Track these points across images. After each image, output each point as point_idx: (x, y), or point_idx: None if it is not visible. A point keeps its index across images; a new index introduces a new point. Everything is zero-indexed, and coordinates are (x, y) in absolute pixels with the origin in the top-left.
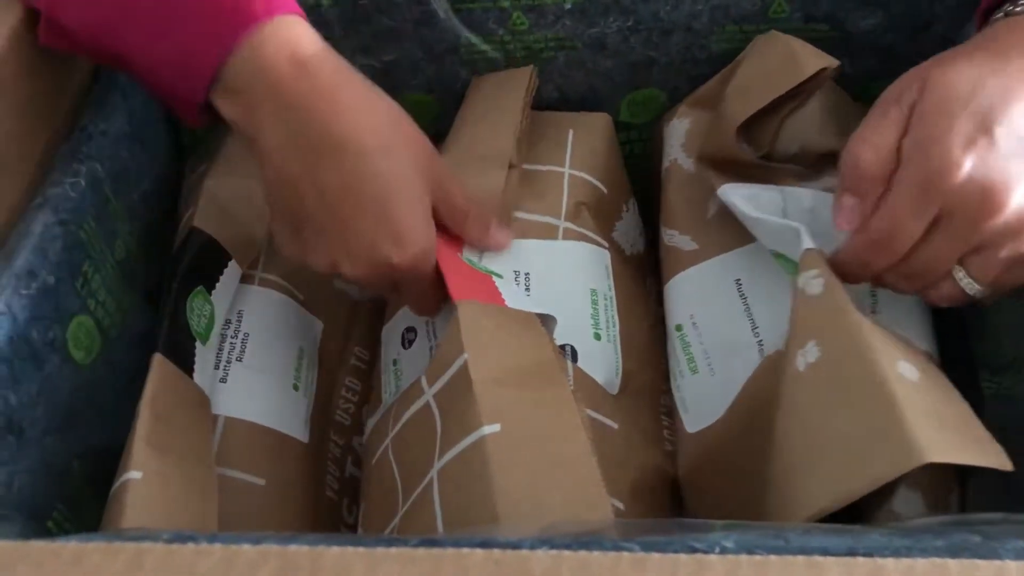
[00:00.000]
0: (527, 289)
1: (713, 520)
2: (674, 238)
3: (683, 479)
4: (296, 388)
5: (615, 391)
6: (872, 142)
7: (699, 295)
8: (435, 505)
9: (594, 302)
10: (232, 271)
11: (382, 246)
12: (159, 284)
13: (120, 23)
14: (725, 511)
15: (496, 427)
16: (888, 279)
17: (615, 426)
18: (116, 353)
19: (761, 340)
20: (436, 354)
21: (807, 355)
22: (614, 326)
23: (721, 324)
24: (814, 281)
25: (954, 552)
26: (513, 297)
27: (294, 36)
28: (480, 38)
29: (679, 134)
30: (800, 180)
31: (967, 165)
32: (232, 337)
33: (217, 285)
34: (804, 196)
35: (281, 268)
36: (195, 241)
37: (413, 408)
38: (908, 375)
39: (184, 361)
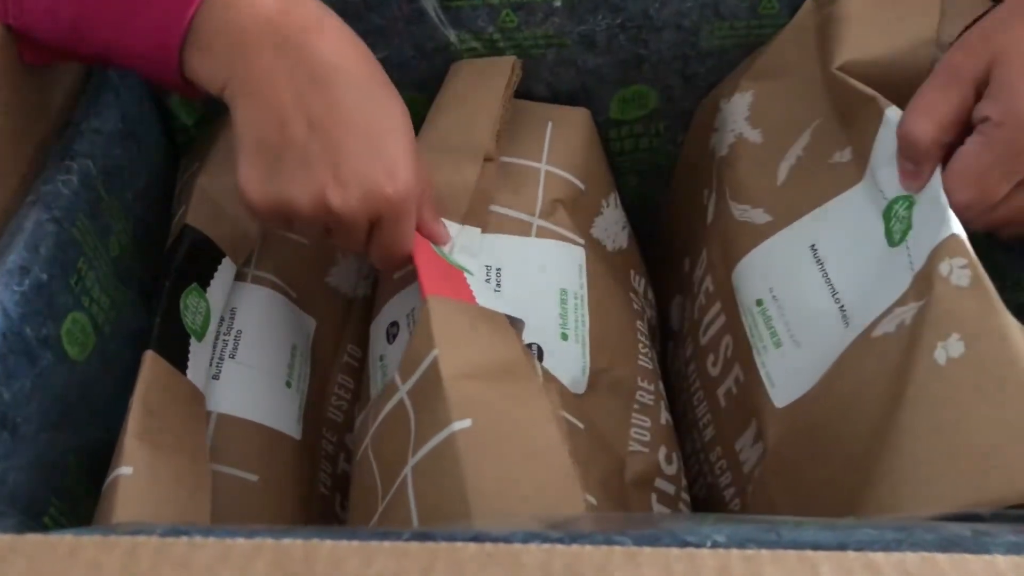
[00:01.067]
0: (498, 285)
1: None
2: (747, 212)
3: (770, 455)
4: (289, 385)
5: (581, 390)
6: (930, 116)
7: (777, 267)
8: (410, 503)
9: (563, 302)
10: (226, 268)
11: (375, 174)
12: (154, 281)
13: (88, 20)
14: (806, 490)
15: (467, 423)
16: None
17: (581, 426)
18: (111, 350)
19: (842, 306)
20: (407, 350)
21: (949, 349)
22: (583, 326)
23: (800, 294)
24: (961, 271)
25: (944, 546)
26: (482, 293)
27: None
28: (470, 35)
29: (742, 108)
30: None
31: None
32: (225, 334)
33: (212, 282)
34: None
35: (274, 265)
36: (188, 239)
37: (389, 405)
38: None
39: (177, 358)
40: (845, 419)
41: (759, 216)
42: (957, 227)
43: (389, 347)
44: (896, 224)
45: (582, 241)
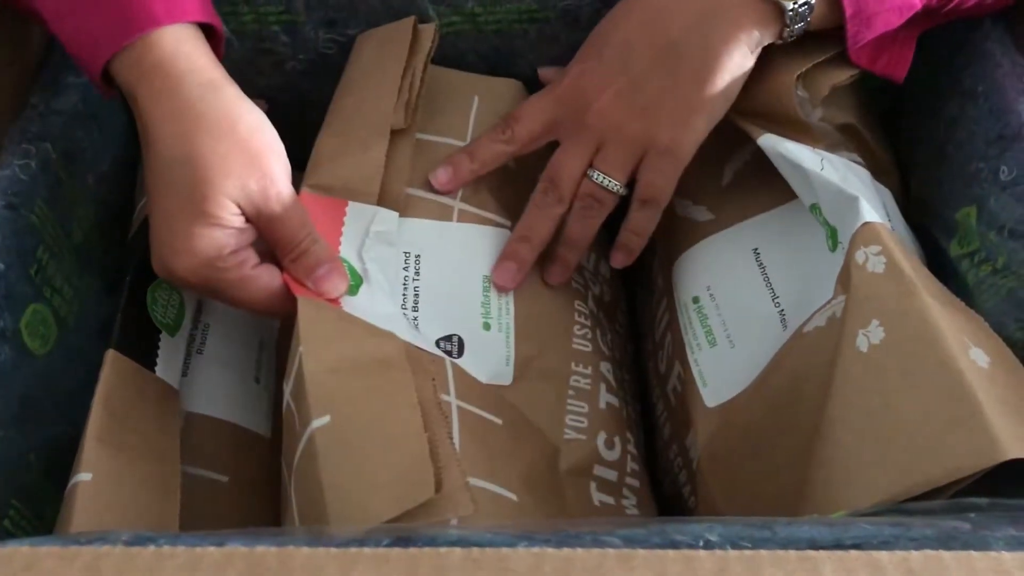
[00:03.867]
0: (417, 273)
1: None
2: (688, 208)
3: (702, 455)
4: (258, 381)
5: (508, 381)
6: None
7: (716, 266)
8: (293, 507)
9: (486, 289)
10: None
11: (166, 250)
12: (117, 272)
13: None
14: (745, 487)
15: (325, 419)
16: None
17: (499, 421)
18: (74, 342)
19: (783, 310)
20: (289, 353)
21: (870, 335)
22: (508, 313)
23: (740, 295)
24: (876, 258)
25: (944, 542)
26: (366, 307)
27: (174, 48)
28: (449, 10)
29: None
30: (829, 147)
31: (572, 74)
32: (192, 329)
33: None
34: (839, 163)
35: None
36: None
37: (283, 409)
38: (980, 362)
39: (143, 355)
40: (782, 416)
41: (701, 213)
42: (870, 215)
43: None
44: (827, 229)
45: (509, 223)
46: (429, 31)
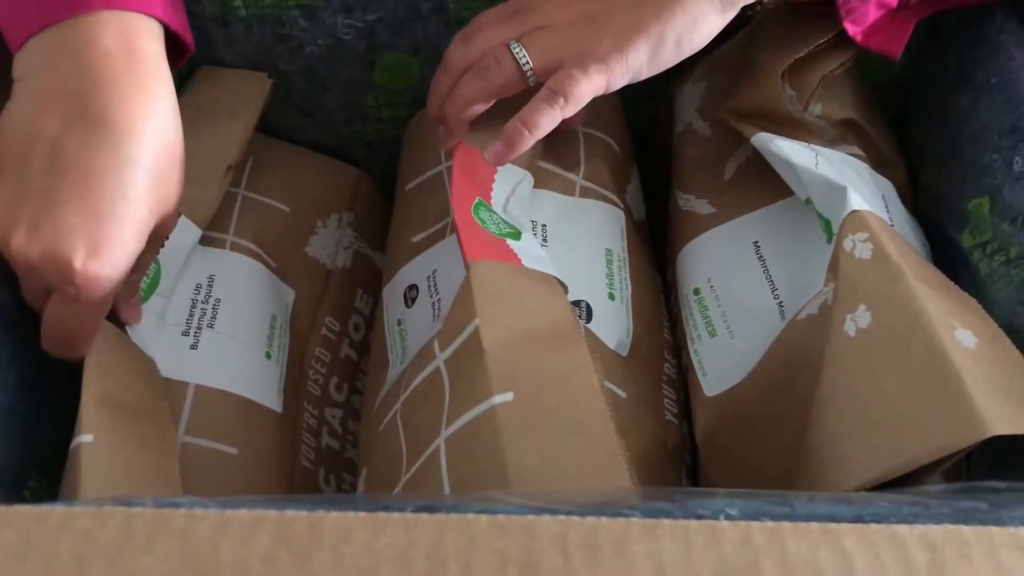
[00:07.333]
0: (544, 241)
1: (715, 488)
2: (690, 202)
3: (700, 443)
4: (269, 356)
5: (626, 353)
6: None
7: (717, 258)
8: (442, 474)
9: (609, 262)
10: (185, 228)
11: (75, 239)
12: None
13: None
14: (744, 475)
15: (508, 396)
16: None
17: (624, 395)
18: None
19: (781, 302)
20: (448, 318)
21: (857, 320)
22: (627, 288)
23: (739, 287)
24: (863, 244)
25: (961, 519)
26: (529, 251)
27: (123, 29)
28: None
29: (694, 98)
30: (827, 142)
31: None
32: (203, 303)
33: (165, 243)
34: (834, 157)
35: (253, 233)
36: None
37: (423, 374)
38: (966, 343)
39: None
40: (776, 403)
41: (702, 207)
42: (857, 203)
43: (407, 311)
44: (822, 222)
45: (621, 204)
46: None
